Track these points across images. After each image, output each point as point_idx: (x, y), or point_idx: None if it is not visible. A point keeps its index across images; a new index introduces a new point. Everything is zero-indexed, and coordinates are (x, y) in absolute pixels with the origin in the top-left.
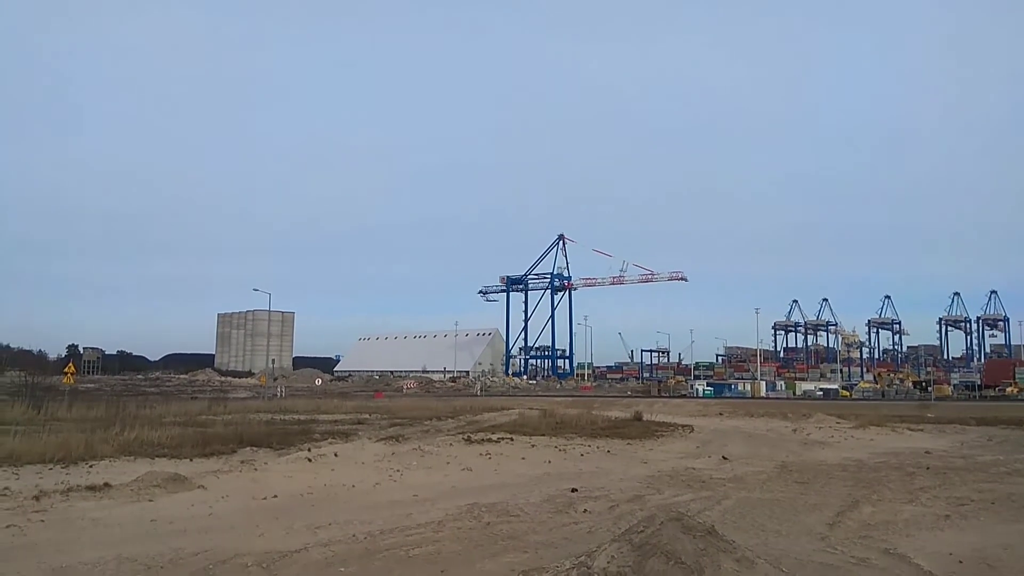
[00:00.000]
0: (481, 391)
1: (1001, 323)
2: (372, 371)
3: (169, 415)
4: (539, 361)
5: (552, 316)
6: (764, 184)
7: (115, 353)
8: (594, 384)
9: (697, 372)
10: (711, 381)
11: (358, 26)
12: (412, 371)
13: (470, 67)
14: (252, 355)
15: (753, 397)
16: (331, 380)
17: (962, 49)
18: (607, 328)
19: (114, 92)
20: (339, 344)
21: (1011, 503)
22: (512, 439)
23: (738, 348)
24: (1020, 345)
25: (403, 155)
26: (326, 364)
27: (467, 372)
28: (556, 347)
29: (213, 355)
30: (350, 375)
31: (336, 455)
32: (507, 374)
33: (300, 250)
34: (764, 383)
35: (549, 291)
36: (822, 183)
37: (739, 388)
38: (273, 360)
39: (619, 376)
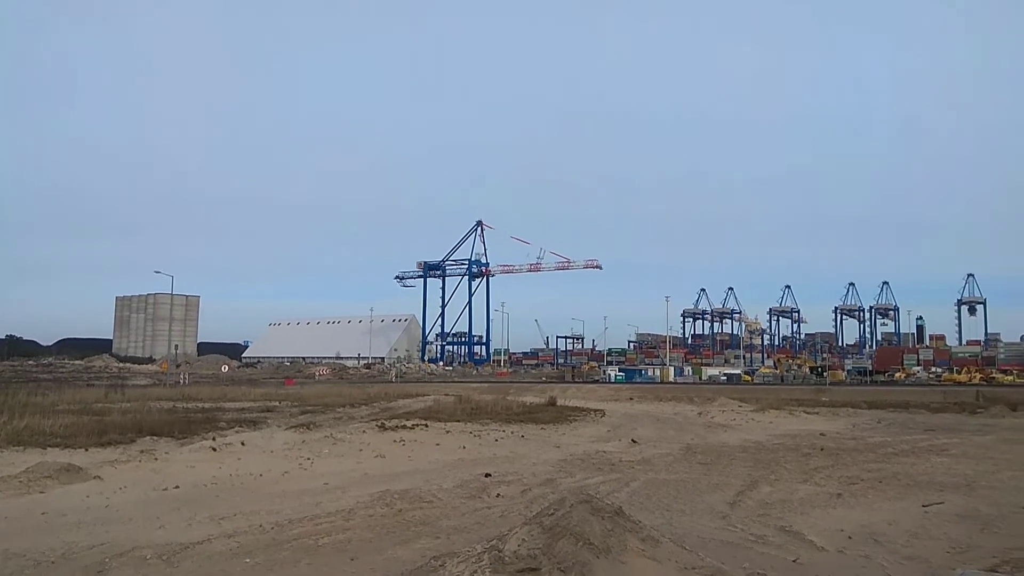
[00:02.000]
0: (396, 377)
1: (891, 312)
2: (283, 358)
3: (63, 403)
4: (456, 347)
5: (469, 302)
6: (672, 175)
7: (3, 338)
8: (510, 370)
9: (610, 358)
10: (623, 367)
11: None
12: (325, 357)
13: (388, 50)
14: (153, 340)
15: (662, 382)
16: (239, 367)
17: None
18: (524, 314)
19: None
20: (248, 330)
21: (896, 482)
22: (427, 425)
23: (649, 335)
24: (908, 333)
25: (316, 137)
26: (234, 350)
27: (382, 358)
28: (473, 333)
29: (111, 340)
30: (259, 362)
31: (243, 444)
32: (423, 360)
33: (206, 231)
34: (673, 369)
35: (467, 277)
36: (726, 176)
37: (649, 373)
38: (176, 346)
39: (535, 362)
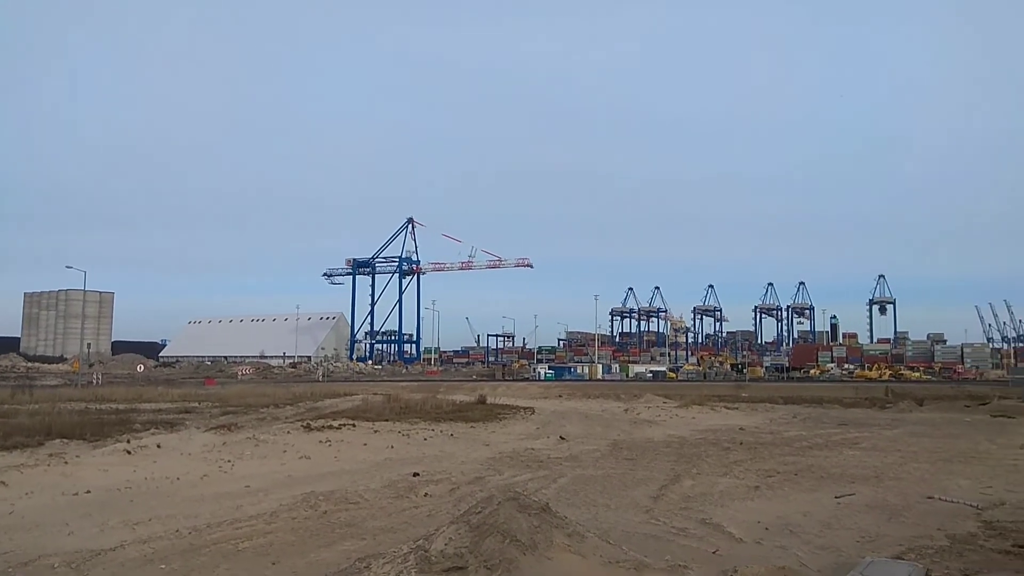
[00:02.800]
0: (323, 377)
1: (807, 311)
2: (203, 357)
3: None
4: (385, 346)
5: (400, 300)
6: (601, 174)
7: None
8: (441, 368)
9: (540, 356)
10: (552, 364)
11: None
12: (248, 356)
13: (322, 37)
14: (64, 339)
15: (590, 379)
16: (156, 366)
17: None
18: (455, 313)
19: None
20: (165, 328)
21: (811, 474)
22: (354, 425)
23: (578, 333)
24: (823, 331)
25: (240, 126)
26: (151, 349)
27: (309, 357)
28: (403, 331)
29: (19, 338)
30: (178, 361)
31: (159, 446)
32: (351, 359)
33: (120, 224)
34: (601, 366)
35: (397, 275)
36: (651, 177)
37: (578, 371)
38: (89, 345)
39: (465, 360)
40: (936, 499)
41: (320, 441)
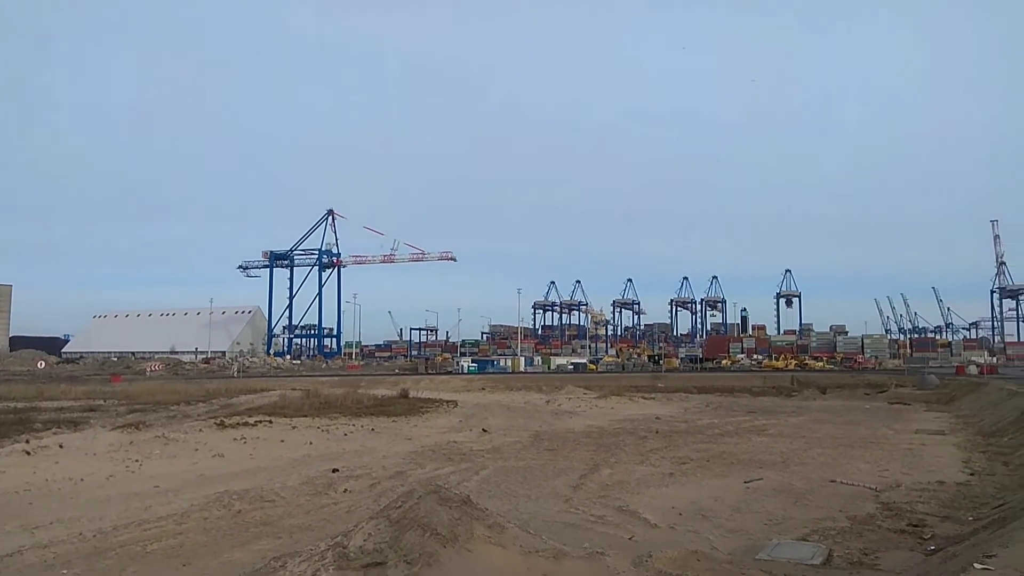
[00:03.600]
0: (239, 372)
1: (720, 304)
2: (109, 353)
3: None
4: (304, 340)
5: (320, 294)
6: (526, 168)
7: None
8: (362, 363)
9: (463, 349)
10: (476, 358)
11: None
12: (158, 352)
13: (233, 24)
14: None
15: (513, 372)
16: (58, 363)
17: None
18: (377, 306)
19: None
20: (69, 322)
21: (722, 460)
22: (271, 422)
23: (502, 326)
24: (734, 323)
25: (150, 110)
26: (52, 345)
27: (223, 353)
28: (323, 326)
29: None
30: (82, 357)
31: (61, 446)
32: (269, 354)
33: (19, 211)
34: (523, 359)
35: (317, 268)
36: (573, 171)
37: (501, 364)
38: None
39: (388, 354)
40: (838, 482)
41: (235, 439)
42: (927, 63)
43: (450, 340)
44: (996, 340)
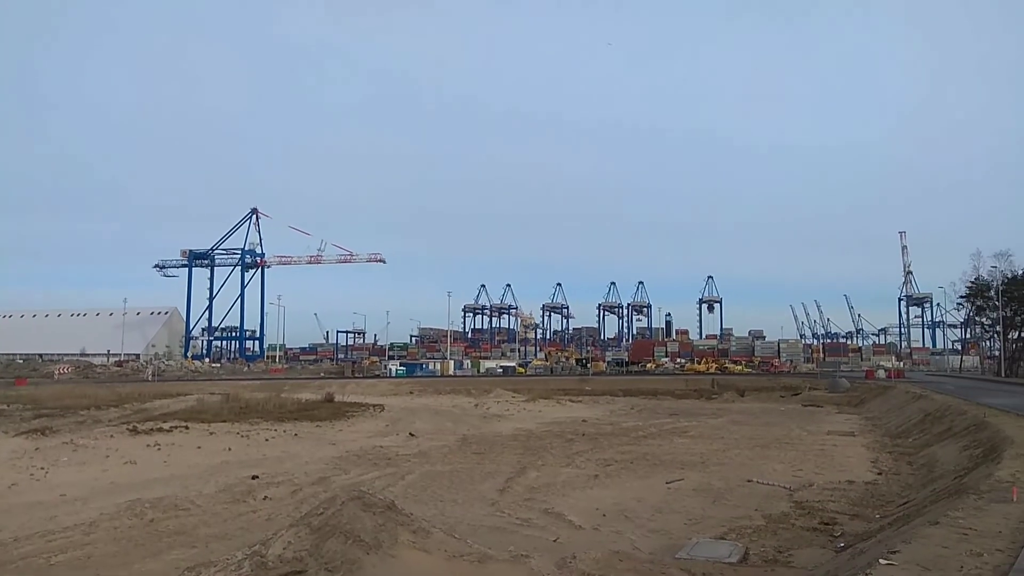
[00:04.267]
0: (154, 376)
1: (646, 309)
2: (14, 355)
3: None
4: (225, 343)
5: (242, 295)
6: (460, 170)
7: None
8: (286, 366)
9: (392, 352)
10: (404, 361)
11: None
12: (67, 354)
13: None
14: None
15: (442, 375)
16: None
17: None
18: (303, 308)
19: None
20: None
21: (645, 462)
22: (187, 427)
23: (432, 329)
24: (659, 328)
25: (59, 99)
26: None
27: (138, 355)
28: (245, 328)
29: None
30: None
31: None
32: (186, 357)
33: None
34: (453, 362)
35: (239, 268)
36: (503, 174)
37: (430, 367)
38: None
39: (313, 358)
40: (754, 482)
41: (148, 445)
42: (838, 82)
43: (378, 343)
44: (903, 345)
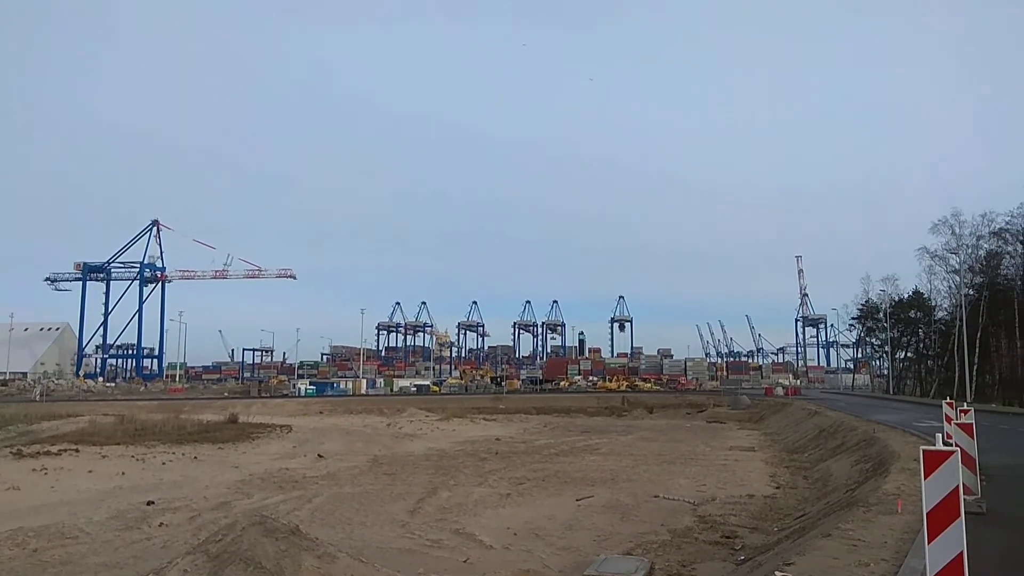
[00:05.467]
0: (42, 396)
1: (560, 328)
2: None
3: None
4: (121, 361)
5: (140, 310)
6: (371, 184)
7: None
8: (187, 386)
9: (301, 371)
10: (315, 380)
11: None
12: None
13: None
14: None
15: (354, 395)
16: None
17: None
18: (206, 325)
19: None
20: None
21: (557, 479)
22: (78, 450)
23: (344, 347)
24: (572, 346)
25: None
26: None
27: (25, 374)
28: (144, 345)
29: None
30: None
31: None
32: (78, 376)
33: None
34: (366, 381)
35: (138, 282)
36: (415, 189)
37: (341, 386)
38: None
39: (217, 377)
40: (661, 498)
41: (34, 469)
42: (736, 113)
43: (287, 361)
44: (800, 364)
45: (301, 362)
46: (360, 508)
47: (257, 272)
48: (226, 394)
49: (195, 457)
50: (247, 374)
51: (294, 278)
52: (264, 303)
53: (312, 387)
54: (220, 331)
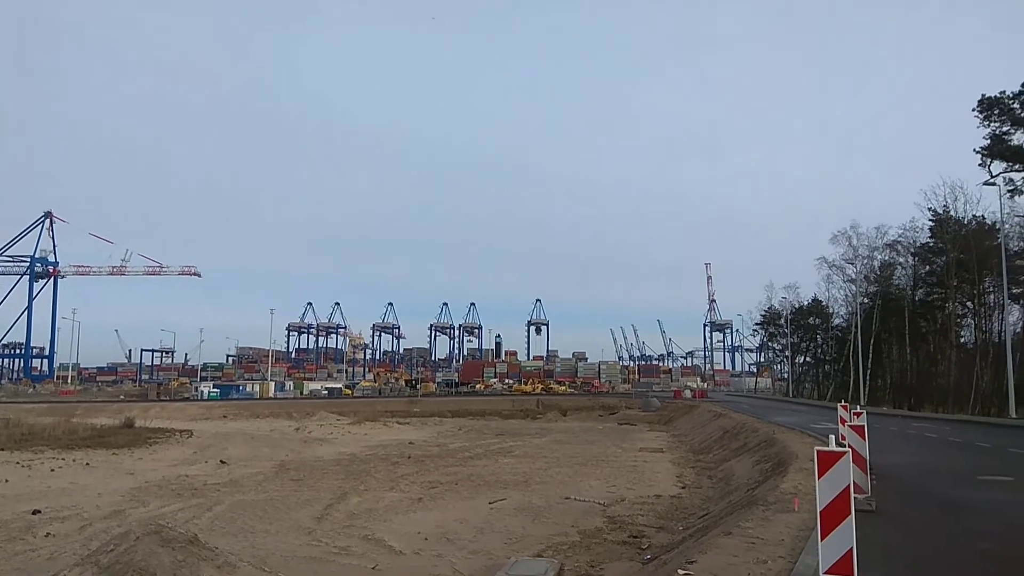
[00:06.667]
0: None
1: (477, 330)
2: None
3: None
4: (8, 361)
5: (29, 307)
6: (284, 181)
7: None
8: (80, 388)
9: (205, 373)
10: (219, 383)
11: None
12: None
13: None
14: None
15: (261, 398)
16: None
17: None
18: (102, 324)
19: None
20: None
21: (470, 483)
22: None
23: (251, 348)
24: (489, 349)
25: None
26: None
27: None
28: (33, 344)
29: None
30: None
31: None
32: None
33: None
34: (274, 384)
35: (27, 277)
36: (332, 189)
37: (248, 389)
38: None
39: (113, 378)
40: (572, 499)
41: None
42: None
43: (189, 363)
44: (707, 367)
45: (205, 364)
46: (264, 515)
47: (158, 269)
48: (122, 397)
49: (87, 463)
50: (146, 376)
51: (198, 276)
52: (166, 302)
53: (216, 390)
54: (117, 331)
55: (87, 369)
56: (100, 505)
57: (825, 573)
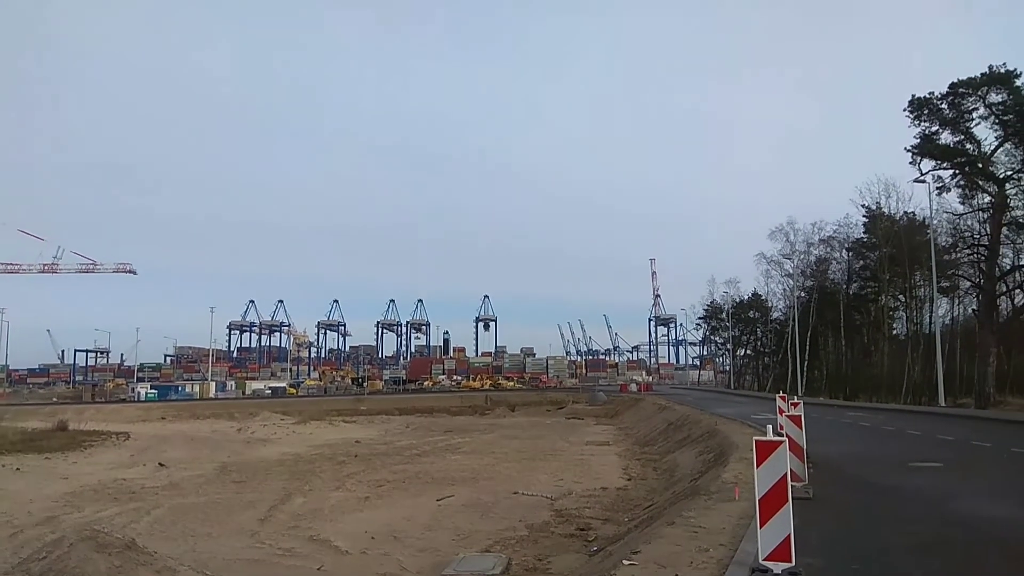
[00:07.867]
0: None
1: (424, 327)
2: None
3: None
4: None
5: None
6: (214, 176)
7: None
8: (9, 390)
9: (142, 374)
10: (157, 383)
11: None
12: None
13: None
14: None
15: (202, 399)
16: None
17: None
18: (33, 323)
19: None
20: None
21: (418, 480)
22: None
23: (190, 348)
24: (437, 345)
25: None
26: None
27: None
28: None
29: None
30: None
31: None
32: None
33: None
34: (215, 384)
35: None
36: (275, 184)
37: (188, 390)
38: None
39: (44, 380)
40: (520, 494)
41: None
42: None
43: (125, 363)
44: (652, 361)
45: (142, 364)
46: (206, 519)
47: (92, 266)
48: (55, 399)
49: (17, 468)
50: (80, 377)
51: (134, 273)
52: (100, 300)
53: (154, 391)
54: (48, 330)
55: (17, 371)
56: (32, 512)
57: (764, 559)
